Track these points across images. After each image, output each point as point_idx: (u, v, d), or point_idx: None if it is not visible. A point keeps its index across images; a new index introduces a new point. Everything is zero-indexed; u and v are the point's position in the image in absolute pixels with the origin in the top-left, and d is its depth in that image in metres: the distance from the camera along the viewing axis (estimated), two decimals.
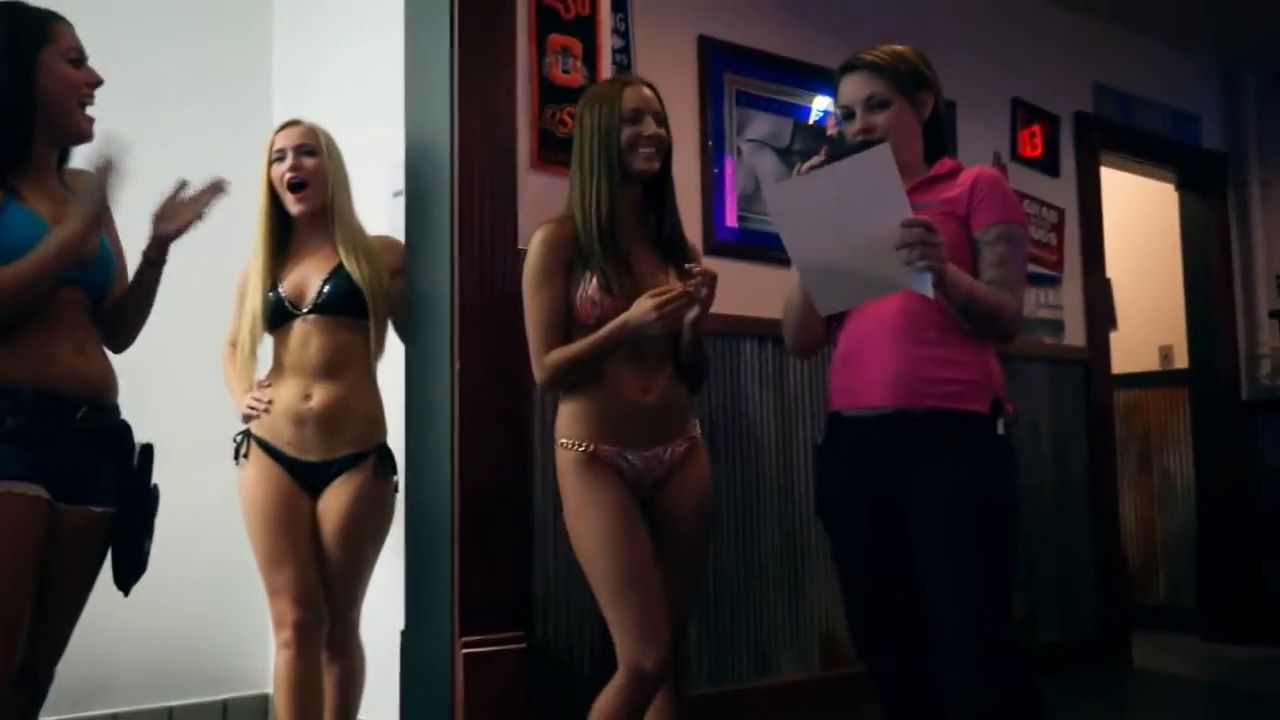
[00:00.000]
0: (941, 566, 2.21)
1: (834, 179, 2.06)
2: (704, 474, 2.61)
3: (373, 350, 3.03)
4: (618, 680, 2.45)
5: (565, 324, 2.51)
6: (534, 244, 2.54)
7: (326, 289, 2.95)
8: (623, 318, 2.44)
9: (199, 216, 2.41)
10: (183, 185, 2.39)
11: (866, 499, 2.33)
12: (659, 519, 2.53)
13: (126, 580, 2.41)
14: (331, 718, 3.01)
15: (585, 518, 2.47)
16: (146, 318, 2.50)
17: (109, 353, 2.46)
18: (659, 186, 2.61)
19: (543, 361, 2.52)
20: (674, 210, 2.61)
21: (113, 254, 2.41)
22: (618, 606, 2.42)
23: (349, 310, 2.96)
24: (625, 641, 2.42)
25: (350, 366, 2.96)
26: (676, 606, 2.58)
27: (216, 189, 2.41)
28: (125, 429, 2.42)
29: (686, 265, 2.50)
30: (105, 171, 2.24)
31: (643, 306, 2.41)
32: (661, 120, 2.58)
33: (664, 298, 2.39)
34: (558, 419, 2.58)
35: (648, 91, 2.58)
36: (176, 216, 2.40)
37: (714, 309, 2.55)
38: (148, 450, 2.43)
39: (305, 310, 2.94)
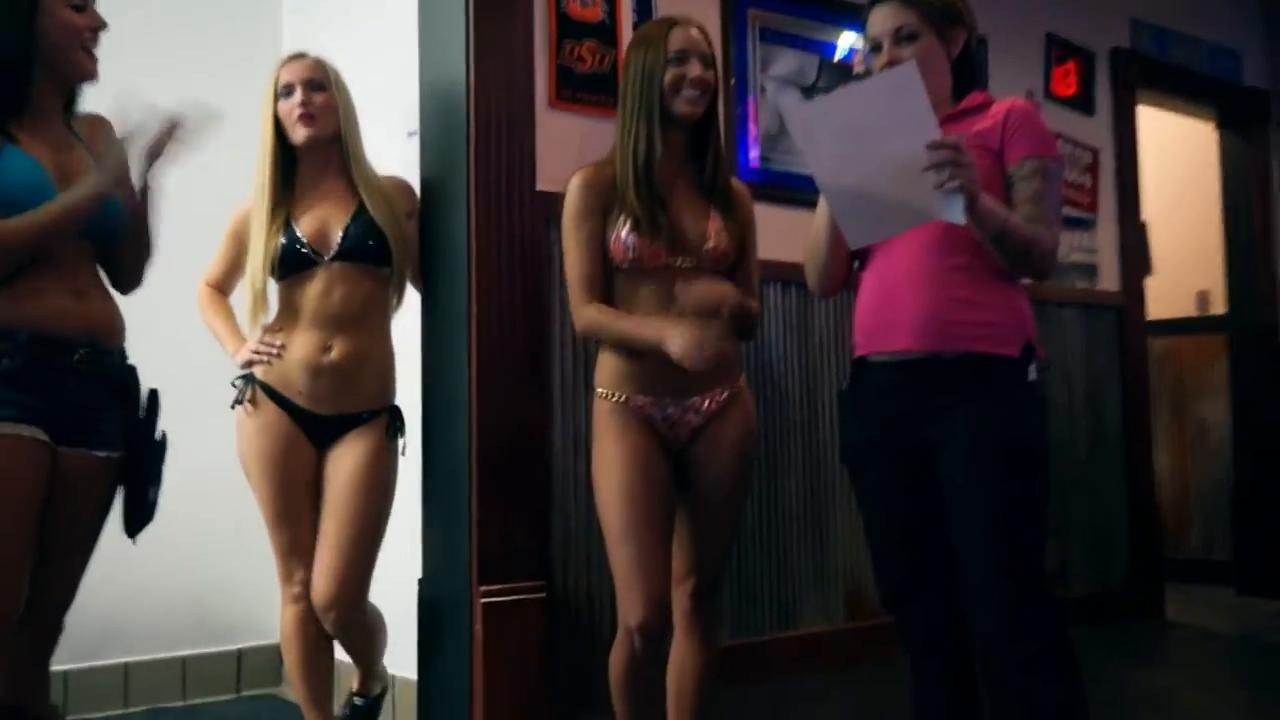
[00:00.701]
0: (972, 514, 2.20)
1: (860, 98, 2.03)
2: (745, 425, 2.59)
3: (394, 300, 3.01)
4: (618, 634, 2.51)
5: (605, 269, 2.51)
6: (572, 187, 2.53)
7: (351, 234, 2.89)
8: (661, 335, 2.41)
9: (186, 143, 2.37)
10: (176, 124, 2.35)
11: (893, 446, 2.32)
12: (693, 470, 2.52)
13: (134, 527, 2.42)
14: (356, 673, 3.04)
15: (605, 468, 2.49)
16: (148, 256, 2.49)
17: (118, 298, 2.46)
18: (704, 130, 2.59)
19: (580, 312, 2.52)
20: (719, 155, 2.59)
21: (120, 203, 2.40)
22: (613, 558, 2.47)
23: (373, 257, 2.91)
24: (618, 595, 2.48)
25: (371, 318, 2.93)
26: (705, 561, 2.59)
27: (204, 121, 2.36)
28: (130, 373, 2.42)
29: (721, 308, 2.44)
30: (131, 143, 2.25)
31: (685, 344, 2.38)
32: (709, 63, 2.55)
33: (705, 351, 2.36)
34: (596, 366, 2.59)
35: (695, 33, 2.55)
36: (165, 149, 2.37)
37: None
38: (154, 396, 2.43)
39: (329, 257, 2.88)
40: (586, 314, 2.51)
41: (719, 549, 2.61)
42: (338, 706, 3.23)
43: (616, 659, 2.53)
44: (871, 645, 4.03)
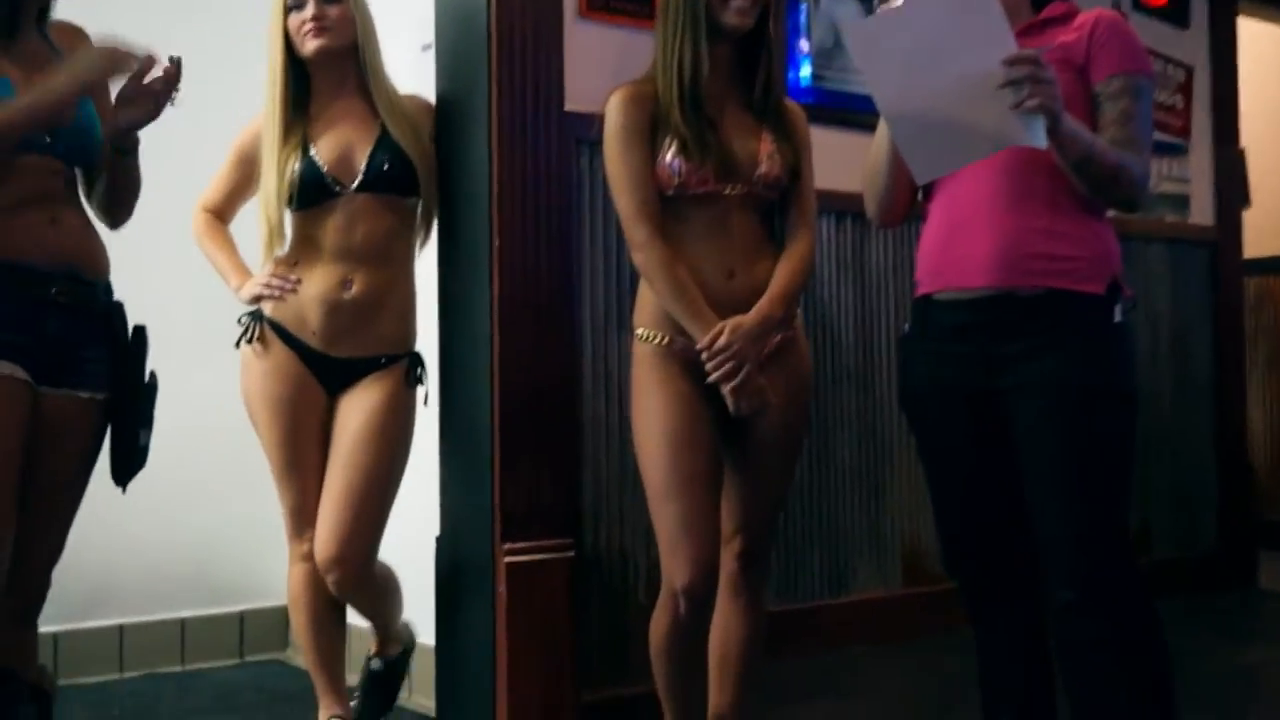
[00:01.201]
0: (1048, 469, 2.18)
1: (926, 11, 1.99)
2: (800, 372, 2.59)
3: (419, 234, 3.00)
4: (660, 596, 2.53)
5: (658, 189, 2.49)
6: (612, 106, 2.51)
7: (376, 161, 2.87)
8: (701, 319, 2.44)
9: (166, 103, 2.34)
10: (150, 62, 2.31)
11: (960, 392, 2.30)
12: (742, 421, 2.51)
13: (123, 474, 2.44)
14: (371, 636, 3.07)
15: (645, 418, 2.49)
16: (136, 197, 2.49)
17: (101, 228, 2.46)
18: (754, 44, 2.55)
19: (640, 240, 2.48)
20: (772, 71, 2.56)
21: (97, 123, 2.38)
22: (656, 517, 2.49)
23: (400, 187, 2.90)
24: (661, 556, 2.49)
25: (395, 253, 2.93)
26: (754, 521, 2.60)
27: (174, 73, 2.32)
28: (116, 309, 2.42)
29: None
30: (113, 53, 2.22)
31: (722, 375, 2.43)
32: None
33: (746, 401, 2.44)
34: (636, 304, 2.59)
35: None
36: (141, 101, 2.34)
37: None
38: (140, 332, 2.43)
39: (353, 187, 2.86)
40: (653, 253, 2.47)
41: (769, 508, 2.62)
42: (351, 674, 3.27)
43: (658, 624, 2.55)
44: (932, 613, 4.04)
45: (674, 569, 2.46)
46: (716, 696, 2.69)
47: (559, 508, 3.08)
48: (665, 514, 2.46)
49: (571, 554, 3.07)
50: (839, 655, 3.91)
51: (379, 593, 3.07)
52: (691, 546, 2.45)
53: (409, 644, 3.20)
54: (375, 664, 3.24)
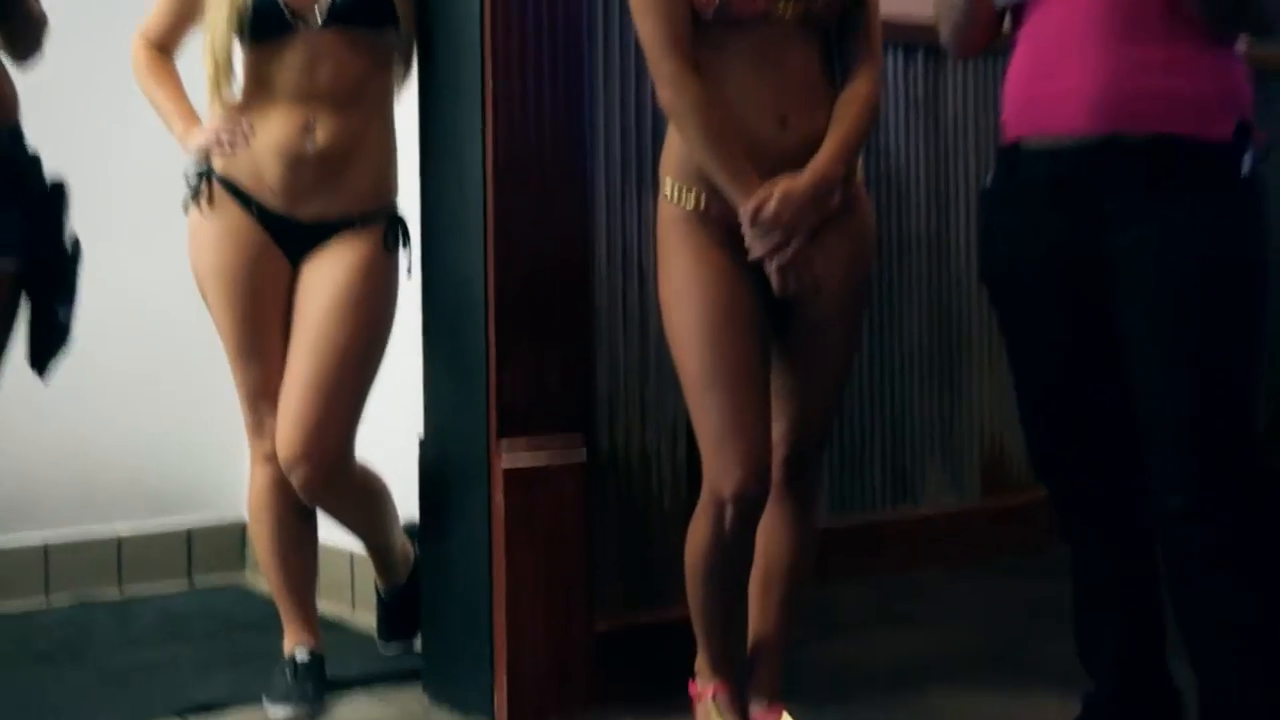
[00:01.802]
0: (1159, 351, 2.19)
1: None
2: (861, 239, 2.61)
3: (398, 73, 3.01)
4: (700, 503, 2.56)
5: (693, 12, 2.45)
6: None
7: None
8: (741, 180, 2.41)
9: None
10: None
11: (1055, 259, 2.30)
12: (793, 296, 2.52)
13: (41, 358, 2.45)
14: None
15: (679, 296, 2.50)
16: (39, 26, 2.48)
17: (10, 67, 2.46)
18: None
19: (668, 75, 2.44)
20: None
21: None
22: (697, 412, 2.51)
23: (372, 19, 2.91)
24: (704, 457, 2.51)
25: (367, 96, 2.95)
26: (806, 418, 2.62)
27: None
28: (32, 164, 2.42)
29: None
30: None
31: (764, 246, 2.43)
32: None
33: (757, 237, 2.42)
34: (663, 153, 2.57)
35: None
36: None
37: None
38: (59, 189, 2.43)
39: (320, 21, 2.86)
40: (685, 92, 2.42)
41: (822, 403, 2.64)
42: (324, 601, 3.34)
43: (697, 537, 2.57)
44: (1015, 529, 4.07)
45: (720, 470, 2.47)
46: (757, 623, 2.73)
47: (568, 401, 3.09)
48: (708, 407, 2.47)
49: (583, 457, 3.08)
50: (903, 579, 3.95)
51: (360, 499, 3.11)
52: (741, 442, 2.46)
53: (416, 561, 3.28)
54: (383, 591, 3.32)
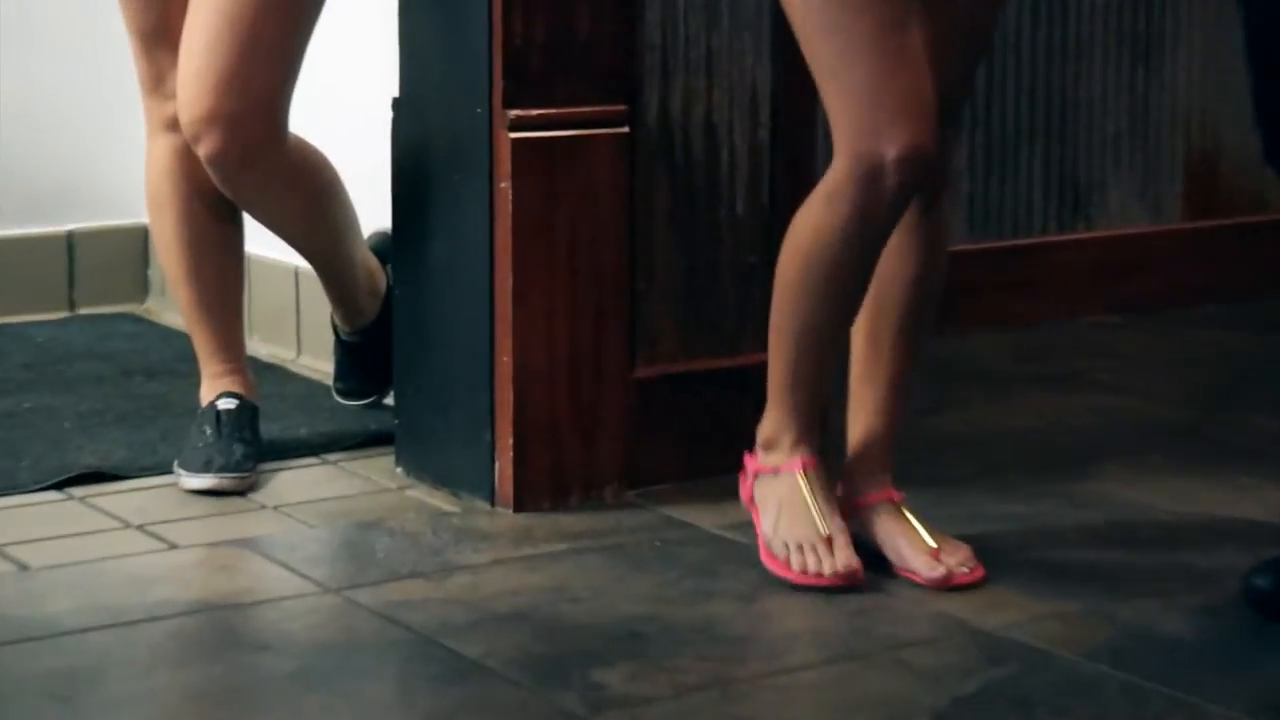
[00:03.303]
0: None
1: None
2: None
3: None
4: (831, 179, 2.57)
5: None
6: None
7: None
8: None
9: None
10: None
11: None
12: None
13: None
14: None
15: None
16: None
17: None
18: None
19: None
20: None
21: None
22: (838, 38, 2.52)
23: None
24: (850, 112, 2.53)
25: None
26: (951, 74, 2.64)
27: None
28: None
29: None
30: None
31: None
32: None
33: None
34: None
35: None
36: None
37: None
38: None
39: None
40: None
41: (960, 63, 2.69)
42: (261, 343, 3.37)
43: (820, 221, 2.58)
44: (1226, 264, 4.10)
45: (878, 121, 2.50)
46: (862, 375, 2.75)
47: (602, 49, 3.04)
48: (854, 31, 2.48)
49: (625, 128, 3.04)
50: (1065, 328, 4.02)
51: (299, 188, 3.12)
52: (912, 78, 2.51)
53: (383, 288, 3.32)
54: (345, 333, 3.37)
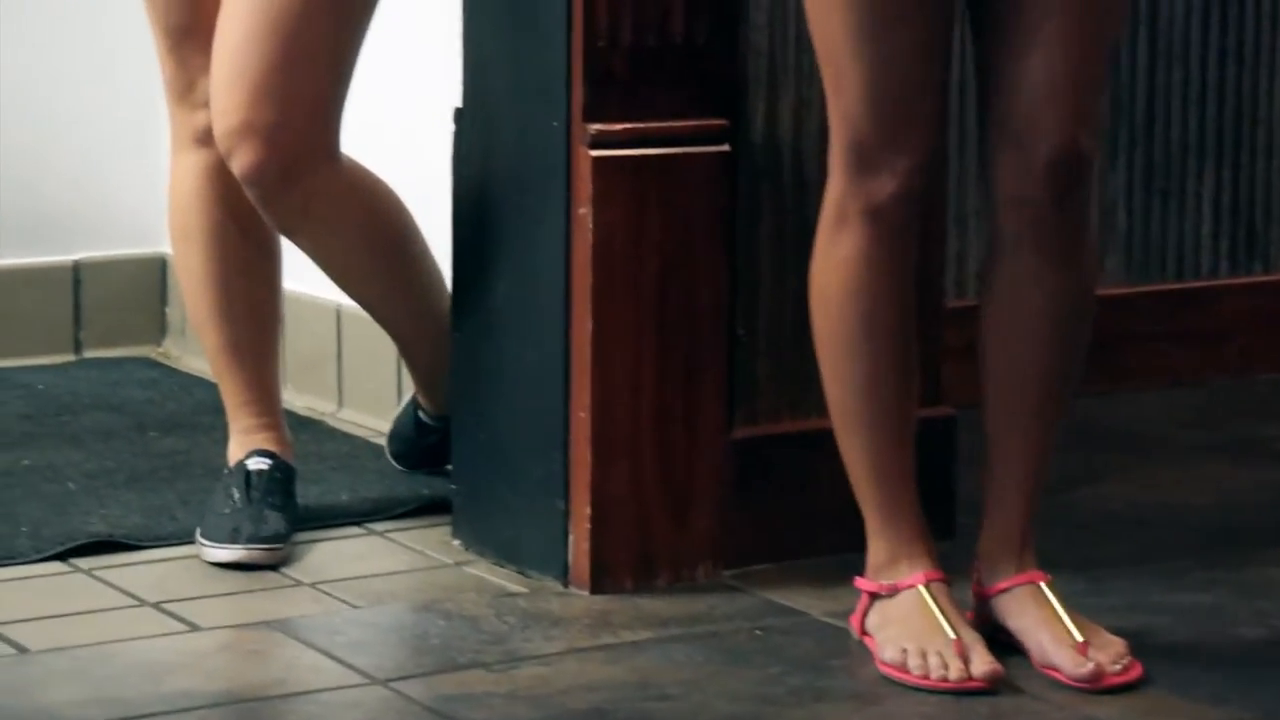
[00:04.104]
0: None
1: None
2: None
3: None
4: (825, 211, 2.69)
5: None
6: None
7: None
8: None
9: None
10: None
11: None
12: None
13: None
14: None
15: None
16: None
17: None
18: None
19: None
20: None
21: None
22: (832, 62, 2.63)
23: None
24: (835, 123, 2.65)
25: None
26: (1062, 103, 2.64)
27: None
28: None
29: None
30: None
31: None
32: None
33: None
34: None
35: None
36: None
37: None
38: None
39: None
40: None
41: (1085, 82, 2.69)
42: (297, 393, 3.40)
43: (828, 261, 2.67)
44: None
45: (867, 143, 2.60)
46: (998, 446, 2.74)
47: (699, 55, 3.06)
48: (846, 39, 2.56)
49: (725, 145, 3.05)
50: (1242, 386, 4.02)
51: (353, 217, 3.15)
52: (906, 102, 2.58)
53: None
54: (427, 415, 3.40)
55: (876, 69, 2.57)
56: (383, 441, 3.56)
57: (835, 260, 2.65)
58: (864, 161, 2.60)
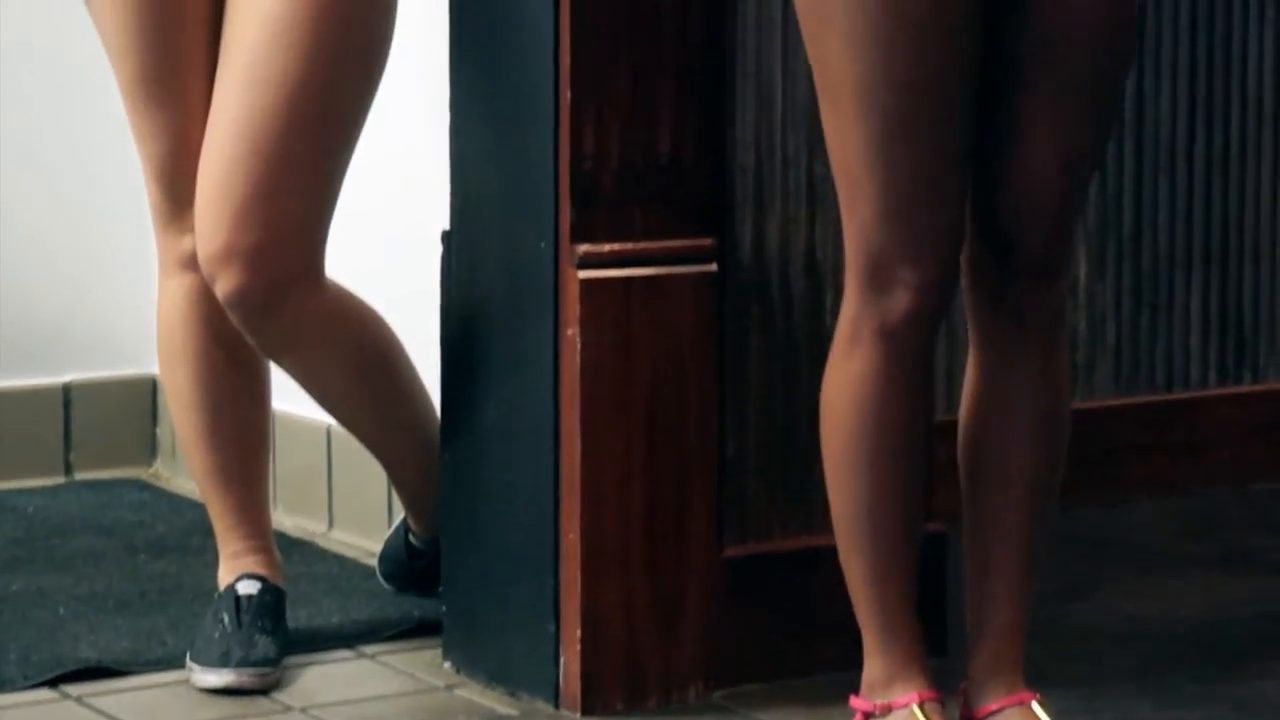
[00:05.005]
0: None
1: None
2: None
3: None
4: (840, 326, 2.65)
5: None
6: None
7: None
8: None
9: None
10: None
11: None
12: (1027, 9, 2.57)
13: None
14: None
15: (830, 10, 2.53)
16: None
17: None
18: None
19: None
20: None
21: None
22: (845, 171, 2.59)
23: None
24: (849, 242, 2.60)
25: None
26: (1046, 200, 2.64)
27: None
28: None
29: None
30: None
31: None
32: None
33: None
34: None
35: None
36: None
37: None
38: None
39: None
40: None
41: (1069, 180, 2.68)
42: (287, 515, 3.37)
43: (840, 377, 2.63)
44: None
45: (882, 259, 2.56)
46: (977, 540, 2.72)
47: (687, 173, 3.06)
48: (863, 162, 2.54)
49: (713, 265, 3.06)
50: (1235, 497, 4.01)
51: (339, 342, 3.15)
52: (920, 220, 2.54)
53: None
54: (417, 538, 3.40)
55: (894, 181, 2.54)
56: (373, 562, 3.56)
57: (847, 377, 2.63)
58: (878, 277, 2.57)
